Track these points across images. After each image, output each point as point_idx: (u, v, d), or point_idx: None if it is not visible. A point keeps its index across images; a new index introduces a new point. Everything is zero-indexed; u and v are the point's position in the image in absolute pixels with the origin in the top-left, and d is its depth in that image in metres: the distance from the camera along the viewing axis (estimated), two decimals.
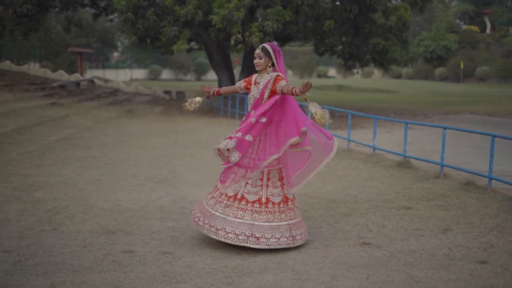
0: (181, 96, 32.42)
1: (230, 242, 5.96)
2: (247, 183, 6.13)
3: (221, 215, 6.07)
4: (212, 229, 6.05)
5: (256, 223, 5.99)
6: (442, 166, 10.16)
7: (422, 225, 7.08)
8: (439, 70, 61.73)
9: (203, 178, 9.99)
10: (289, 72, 67.43)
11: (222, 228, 6.00)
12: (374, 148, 12.63)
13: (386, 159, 11.92)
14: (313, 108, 5.79)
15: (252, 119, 6.08)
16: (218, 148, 5.98)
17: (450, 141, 15.54)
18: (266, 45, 6.31)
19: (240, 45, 22.70)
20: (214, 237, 6.03)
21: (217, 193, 6.27)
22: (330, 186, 9.43)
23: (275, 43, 6.65)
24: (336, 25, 21.32)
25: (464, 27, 68.01)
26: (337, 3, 21.86)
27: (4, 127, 14.39)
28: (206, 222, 6.14)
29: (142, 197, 8.58)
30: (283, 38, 26.48)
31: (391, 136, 17.30)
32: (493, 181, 9.11)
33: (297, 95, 5.80)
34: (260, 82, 6.26)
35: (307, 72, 68.64)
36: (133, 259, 5.75)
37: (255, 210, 6.05)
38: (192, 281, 5.19)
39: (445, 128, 10.29)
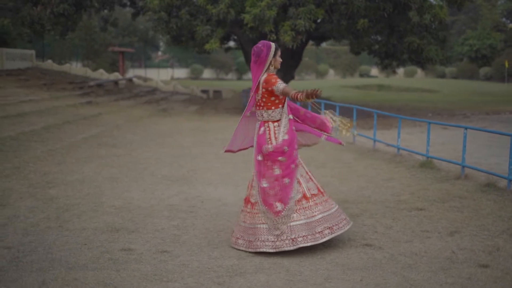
0: (218, 95, 32.48)
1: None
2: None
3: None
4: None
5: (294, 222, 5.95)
6: (463, 167, 9.92)
7: (430, 227, 6.92)
8: (484, 70, 60.47)
9: (221, 177, 9.99)
10: (331, 71, 67.06)
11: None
12: (399, 148, 12.44)
13: (409, 160, 11.72)
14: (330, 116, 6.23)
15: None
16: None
17: (486, 142, 15.27)
18: None
19: None
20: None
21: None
22: (346, 186, 9.31)
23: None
24: (370, 23, 21.07)
25: (511, 25, 66.50)
26: (374, 1, 21.60)
27: (33, 125, 14.61)
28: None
29: (155, 195, 8.59)
30: (318, 37, 26.32)
31: (425, 136, 16.98)
32: None
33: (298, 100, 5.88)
34: None
35: (349, 71, 68.10)
36: (130, 257, 5.75)
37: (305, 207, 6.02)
38: (183, 280, 5.16)
39: (466, 128, 10.05)
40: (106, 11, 28.39)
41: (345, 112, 19.52)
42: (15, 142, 12.25)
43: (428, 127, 11.31)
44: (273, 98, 6.12)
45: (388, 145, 13.27)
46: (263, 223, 5.96)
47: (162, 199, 8.33)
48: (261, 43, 6.17)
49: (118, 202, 8.09)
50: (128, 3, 30.07)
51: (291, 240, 5.84)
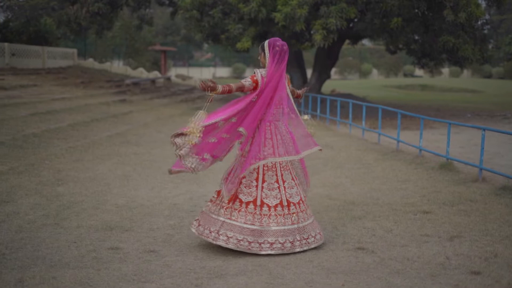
0: None
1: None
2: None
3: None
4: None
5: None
6: (481, 169, 9.60)
7: (432, 231, 6.69)
8: None
9: None
10: (374, 71, 66.30)
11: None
12: (420, 149, 12.14)
13: (431, 161, 11.41)
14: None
15: None
16: None
17: None
18: (266, 40, 6.14)
19: (306, 43, 22.39)
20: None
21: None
22: (357, 188, 9.10)
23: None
24: (404, 22, 20.68)
25: None
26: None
27: (60, 123, 14.72)
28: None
29: (161, 194, 8.55)
30: (353, 36, 25.99)
31: (459, 137, 16.60)
32: None
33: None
34: None
35: (393, 71, 67.19)
36: (115, 256, 5.69)
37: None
38: (161, 281, 5.07)
39: (484, 129, 9.75)
40: (144, 9, 28.53)
41: (370, 111, 19.33)
42: (36, 139, 12.36)
43: (449, 128, 11.01)
44: None
45: (412, 146, 12.95)
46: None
47: (166, 198, 8.28)
48: (283, 42, 6.03)
49: (122, 200, 8.06)
50: (167, 2, 30.22)
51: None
